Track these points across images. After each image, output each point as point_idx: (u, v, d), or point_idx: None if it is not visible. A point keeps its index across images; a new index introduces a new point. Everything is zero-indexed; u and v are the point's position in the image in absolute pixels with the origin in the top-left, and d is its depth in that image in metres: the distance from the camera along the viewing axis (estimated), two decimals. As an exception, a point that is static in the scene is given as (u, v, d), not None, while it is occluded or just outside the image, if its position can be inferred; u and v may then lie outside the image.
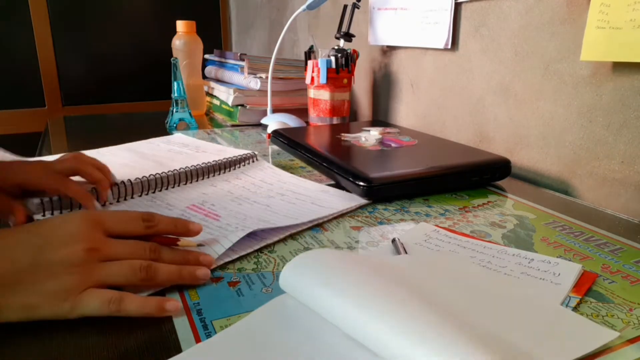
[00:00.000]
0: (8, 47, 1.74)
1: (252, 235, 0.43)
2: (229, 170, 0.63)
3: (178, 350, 0.29)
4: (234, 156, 0.64)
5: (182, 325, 0.31)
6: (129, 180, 0.53)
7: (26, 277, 0.30)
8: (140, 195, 0.53)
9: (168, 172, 0.56)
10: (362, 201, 0.53)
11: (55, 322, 0.31)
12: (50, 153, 0.78)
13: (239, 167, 0.64)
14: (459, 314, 0.30)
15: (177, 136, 0.84)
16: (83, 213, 0.35)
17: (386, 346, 0.26)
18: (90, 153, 0.70)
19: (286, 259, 0.40)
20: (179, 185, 0.57)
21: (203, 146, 0.76)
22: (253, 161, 0.66)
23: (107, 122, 1.13)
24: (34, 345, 0.30)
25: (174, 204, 0.52)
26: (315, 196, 0.54)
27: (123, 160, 0.67)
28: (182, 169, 0.57)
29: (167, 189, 0.55)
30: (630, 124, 0.53)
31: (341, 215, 0.50)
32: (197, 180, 0.59)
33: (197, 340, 0.30)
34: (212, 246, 0.39)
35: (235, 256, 0.40)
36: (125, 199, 0.52)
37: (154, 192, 0.54)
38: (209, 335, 0.30)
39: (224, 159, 0.63)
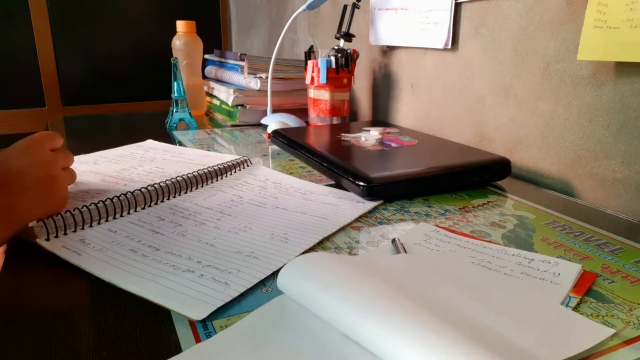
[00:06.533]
0: (8, 47, 1.75)
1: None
2: (222, 178, 0.60)
3: (178, 350, 0.29)
4: (226, 162, 0.62)
5: (182, 325, 0.31)
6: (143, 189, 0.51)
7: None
8: (144, 207, 0.51)
9: (154, 184, 0.53)
10: (371, 204, 0.53)
11: (54, 322, 0.32)
12: (72, 161, 0.77)
13: (232, 173, 0.62)
14: (458, 314, 0.30)
15: (150, 142, 0.81)
16: None
17: (385, 348, 0.26)
18: (86, 157, 0.70)
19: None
20: (174, 197, 0.54)
21: (186, 152, 0.74)
22: (246, 166, 0.65)
23: (107, 122, 1.13)
24: (32, 345, 0.30)
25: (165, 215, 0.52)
26: (324, 208, 0.52)
27: (107, 171, 0.64)
28: (172, 180, 0.54)
29: (161, 201, 0.52)
30: (630, 124, 0.53)
31: (341, 215, 0.50)
32: (190, 190, 0.56)
33: (197, 340, 0.30)
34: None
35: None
36: (136, 210, 0.50)
37: (149, 206, 0.51)
38: (209, 335, 0.30)
39: (216, 165, 0.60)
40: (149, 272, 0.38)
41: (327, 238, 0.45)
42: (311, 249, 0.42)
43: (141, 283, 0.36)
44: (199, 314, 0.32)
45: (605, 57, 0.52)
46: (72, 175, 0.53)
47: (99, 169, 0.65)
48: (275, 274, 0.37)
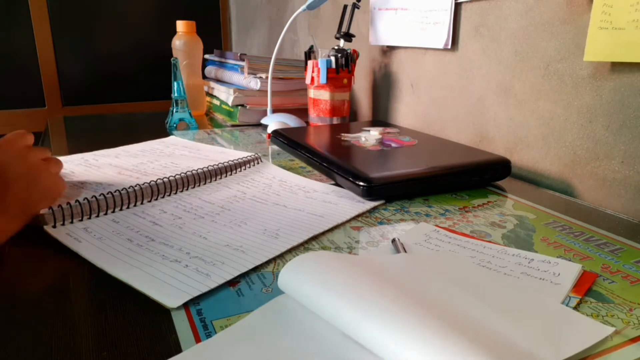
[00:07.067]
0: (8, 47, 1.74)
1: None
2: (230, 174, 0.61)
3: (178, 350, 0.29)
4: (236, 159, 0.63)
5: (182, 325, 0.31)
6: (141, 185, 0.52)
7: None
8: (150, 201, 0.52)
9: (163, 178, 0.54)
10: (370, 204, 0.53)
11: (54, 322, 0.32)
12: (50, 153, 0.78)
13: (241, 170, 0.63)
14: (458, 313, 0.30)
15: (172, 138, 0.84)
16: None
17: (385, 347, 0.26)
18: (87, 156, 0.71)
19: (285, 259, 0.40)
20: (181, 191, 0.55)
21: (203, 148, 0.76)
22: (256, 163, 0.65)
23: (107, 122, 1.13)
24: (32, 345, 0.30)
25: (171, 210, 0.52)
26: (323, 206, 0.52)
27: (123, 165, 0.66)
28: (181, 174, 0.56)
29: (162, 197, 0.53)
30: (630, 124, 0.53)
31: (341, 215, 0.50)
32: (198, 185, 0.57)
33: (197, 340, 0.30)
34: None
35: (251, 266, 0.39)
36: (142, 203, 0.51)
37: (155, 199, 0.53)
38: (209, 335, 0.30)
39: (226, 162, 0.62)
40: (138, 260, 0.39)
41: (326, 237, 0.45)
42: (300, 246, 0.43)
43: (128, 270, 0.37)
44: (174, 302, 0.33)
45: (611, 58, 0.52)
46: (57, 162, 0.54)
47: (118, 162, 0.67)
48: (259, 268, 0.38)
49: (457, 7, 0.75)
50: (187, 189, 0.56)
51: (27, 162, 0.47)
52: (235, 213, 0.50)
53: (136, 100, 1.96)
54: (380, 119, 1.01)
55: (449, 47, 0.77)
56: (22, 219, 0.44)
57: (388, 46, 0.95)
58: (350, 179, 0.55)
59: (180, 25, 1.09)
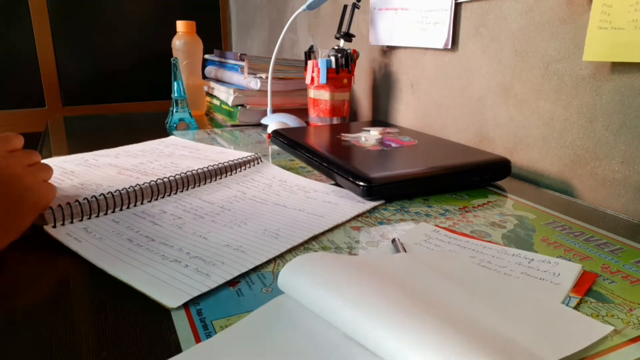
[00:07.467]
0: (8, 47, 1.75)
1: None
2: (230, 174, 0.62)
3: (178, 350, 0.29)
4: (236, 159, 0.63)
5: (182, 325, 0.31)
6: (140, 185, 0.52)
7: None
8: (150, 201, 0.52)
9: (163, 178, 0.54)
10: (370, 204, 0.53)
11: (54, 322, 0.32)
12: (50, 153, 0.78)
13: (241, 170, 0.63)
14: (458, 313, 0.30)
15: (172, 138, 0.84)
16: None
17: (385, 347, 0.26)
18: (87, 156, 0.71)
19: (285, 259, 0.40)
20: (181, 191, 0.55)
21: (203, 148, 0.76)
22: (256, 163, 0.66)
23: (107, 122, 1.13)
24: (32, 345, 0.30)
25: (173, 211, 0.52)
26: (323, 206, 0.52)
27: (124, 165, 0.66)
28: (181, 174, 0.56)
29: (162, 197, 0.53)
30: (630, 124, 0.53)
31: (341, 215, 0.50)
32: (198, 185, 0.57)
33: (197, 340, 0.30)
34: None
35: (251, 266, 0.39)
36: (141, 203, 0.51)
37: (155, 199, 0.53)
38: (209, 335, 0.30)
39: (226, 162, 0.62)
40: (139, 260, 0.39)
41: (326, 237, 0.45)
42: (300, 246, 0.43)
43: (128, 271, 0.37)
44: (173, 302, 0.33)
45: (610, 58, 0.52)
46: (45, 168, 0.49)
47: (118, 162, 0.67)
48: (259, 268, 0.38)
49: (457, 7, 0.75)
50: (187, 189, 0.56)
51: (4, 172, 0.42)
52: (235, 213, 0.50)
53: (136, 100, 1.96)
54: (380, 119, 1.01)
55: (449, 47, 0.77)
56: (4, 236, 0.40)
57: (388, 46, 0.95)
58: (350, 179, 0.55)
59: (180, 25, 1.09)
